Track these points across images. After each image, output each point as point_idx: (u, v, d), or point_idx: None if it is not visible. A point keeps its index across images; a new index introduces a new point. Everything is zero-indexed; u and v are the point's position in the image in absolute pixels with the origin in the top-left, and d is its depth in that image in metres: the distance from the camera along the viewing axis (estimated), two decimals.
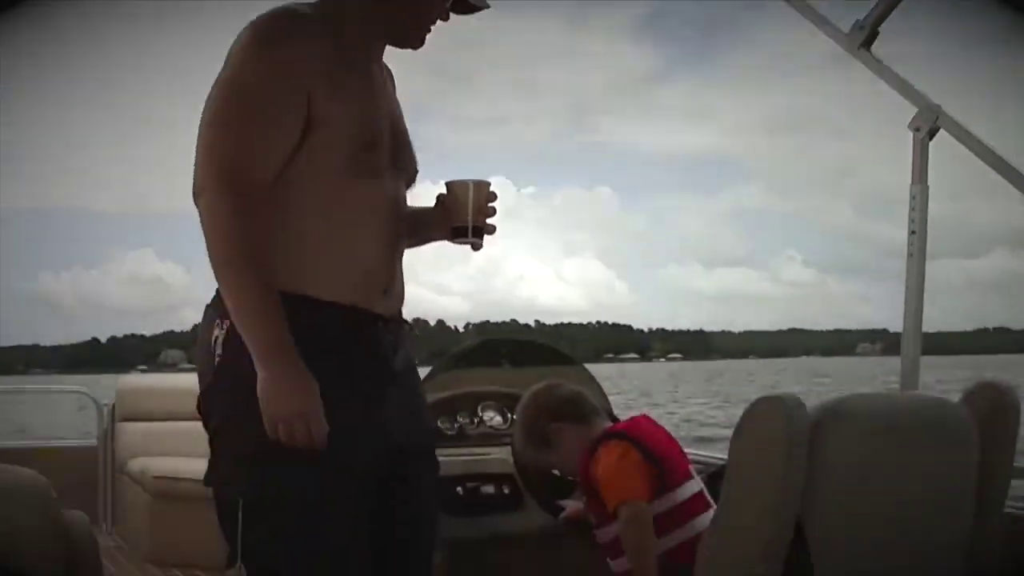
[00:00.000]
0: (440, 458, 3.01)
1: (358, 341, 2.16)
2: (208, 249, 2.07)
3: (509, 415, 3.36)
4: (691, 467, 2.57)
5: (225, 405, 2.16)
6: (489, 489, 3.07)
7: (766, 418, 1.94)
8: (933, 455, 2.14)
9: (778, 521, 1.93)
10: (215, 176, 2.04)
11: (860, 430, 2.02)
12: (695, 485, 2.49)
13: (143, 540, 5.64)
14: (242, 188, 2.04)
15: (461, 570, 2.99)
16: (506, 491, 3.09)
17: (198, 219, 2.08)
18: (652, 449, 2.48)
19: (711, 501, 2.44)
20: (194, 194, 2.07)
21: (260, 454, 2.08)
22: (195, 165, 2.07)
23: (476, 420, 3.38)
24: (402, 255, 2.29)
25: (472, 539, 3.01)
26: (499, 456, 3.17)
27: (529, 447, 2.71)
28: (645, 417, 2.68)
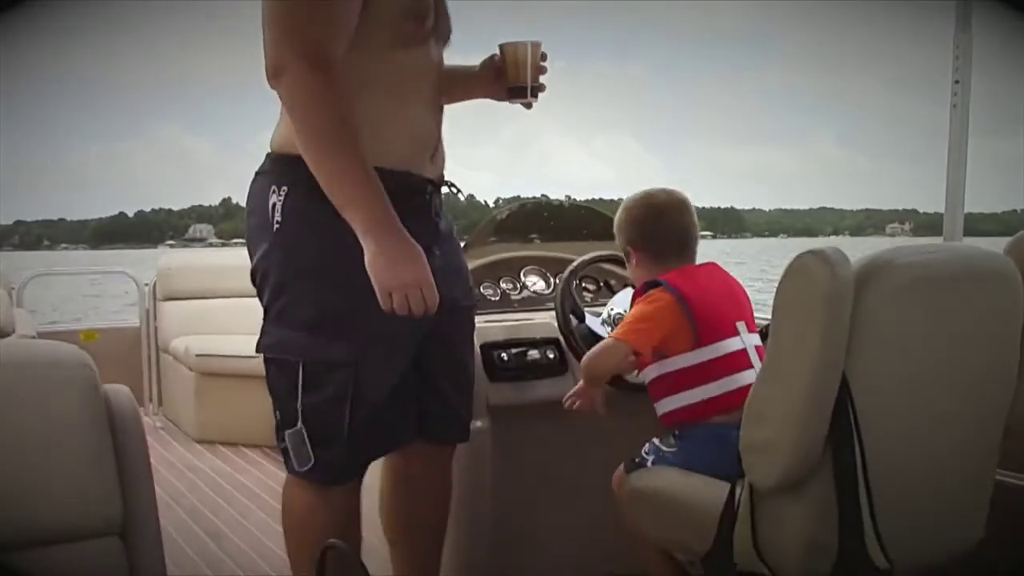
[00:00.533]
0: (483, 324, 3.11)
1: (411, 204, 2.24)
2: (299, 127, 2.11)
3: (552, 279, 3.38)
4: (743, 323, 2.57)
5: (285, 271, 2.25)
6: (533, 354, 3.09)
7: (810, 271, 1.93)
8: (980, 305, 2.13)
9: (823, 374, 1.94)
10: (297, 53, 2.06)
11: (906, 281, 2.00)
12: (741, 343, 2.52)
13: (188, 419, 5.75)
14: (324, 64, 2.07)
15: (503, 435, 3.02)
16: (550, 356, 3.10)
17: (278, 98, 2.13)
18: (693, 303, 2.50)
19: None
20: (271, 75, 2.10)
21: (323, 319, 2.21)
22: (268, 44, 2.09)
23: (519, 285, 3.40)
24: (442, 121, 2.37)
25: (515, 405, 3.04)
26: (542, 321, 3.19)
27: (616, 238, 2.76)
28: (712, 266, 2.68)
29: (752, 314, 2.65)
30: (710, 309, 2.53)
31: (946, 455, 2.18)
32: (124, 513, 1.79)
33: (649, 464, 2.58)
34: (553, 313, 3.05)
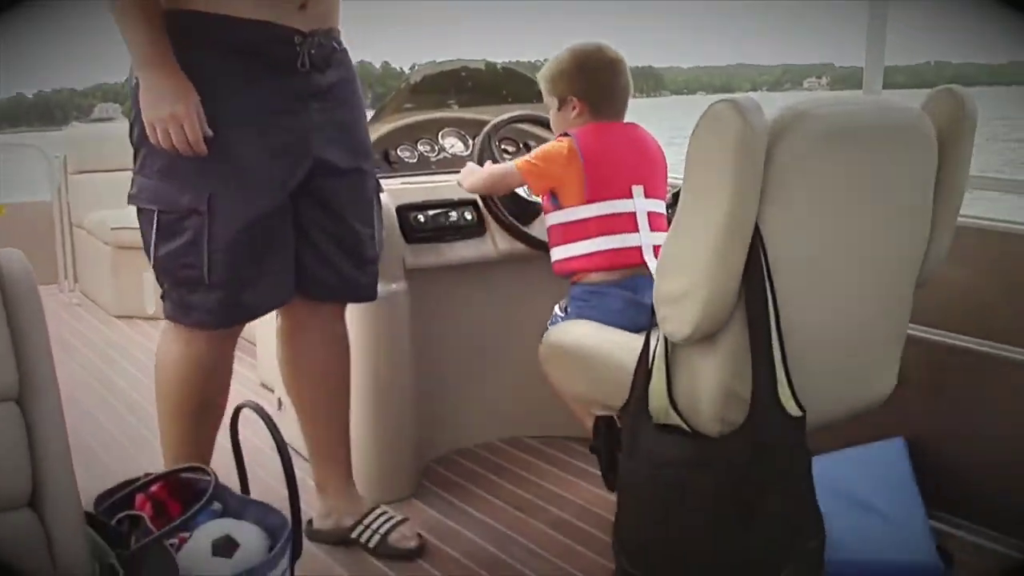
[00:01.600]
0: (399, 186, 3.07)
1: (273, 55, 2.30)
2: None
3: (471, 141, 3.33)
4: (641, 188, 2.65)
5: (139, 125, 2.32)
6: (451, 216, 3.06)
7: (723, 119, 1.88)
8: (895, 159, 2.12)
9: (735, 224, 1.91)
10: None
11: (822, 131, 1.98)
12: (632, 206, 2.63)
13: (106, 294, 5.65)
14: None
15: (422, 297, 3.01)
16: (468, 217, 3.09)
17: None
18: (588, 160, 2.61)
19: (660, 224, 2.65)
20: None
21: (172, 166, 2.29)
22: None
23: (437, 147, 3.36)
24: None
25: (433, 266, 3.04)
26: None
27: (548, 83, 2.78)
28: (632, 126, 2.75)
29: (662, 180, 2.73)
30: (606, 168, 2.63)
31: (858, 307, 2.19)
32: (20, 379, 1.73)
33: (554, 322, 2.66)
34: None
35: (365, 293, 2.66)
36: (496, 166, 2.84)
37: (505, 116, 3.09)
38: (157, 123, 2.23)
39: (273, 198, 2.35)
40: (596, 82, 2.71)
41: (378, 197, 2.64)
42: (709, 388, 2.03)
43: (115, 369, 4.52)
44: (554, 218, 2.70)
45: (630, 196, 2.63)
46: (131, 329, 5.27)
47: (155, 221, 2.33)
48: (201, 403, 2.52)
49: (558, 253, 2.70)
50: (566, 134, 2.67)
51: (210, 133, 2.25)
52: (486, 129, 3.03)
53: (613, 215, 2.62)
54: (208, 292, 2.36)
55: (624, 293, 2.60)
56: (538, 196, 2.77)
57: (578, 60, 2.72)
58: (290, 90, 2.33)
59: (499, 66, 3.54)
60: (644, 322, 2.44)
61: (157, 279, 2.43)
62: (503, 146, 3.28)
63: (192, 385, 2.49)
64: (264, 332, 3.84)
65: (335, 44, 2.43)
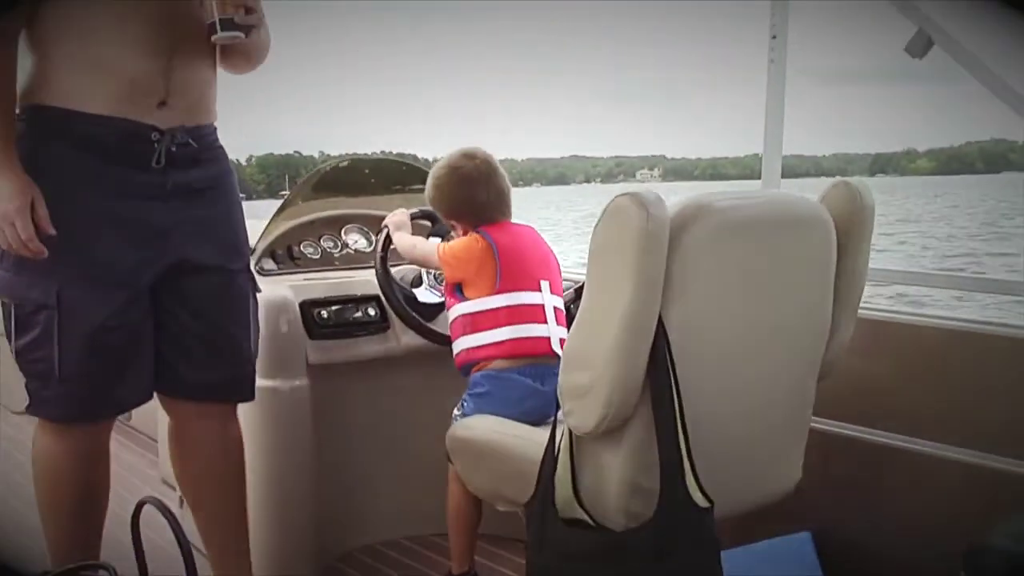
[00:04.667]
0: (302, 282, 3.04)
1: (129, 152, 2.28)
2: None
3: (373, 237, 3.33)
4: (548, 283, 2.72)
5: None
6: (354, 312, 3.04)
7: (625, 213, 1.90)
8: (796, 252, 2.16)
9: (638, 318, 1.92)
10: None
11: (723, 225, 2.01)
12: (540, 298, 2.68)
13: None
14: None
15: (325, 393, 2.97)
16: (371, 313, 3.07)
17: None
18: (502, 251, 2.68)
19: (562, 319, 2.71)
20: None
21: (24, 260, 2.25)
22: None
23: (340, 243, 3.35)
24: (191, 66, 2.32)
25: (336, 363, 3.00)
26: (364, 279, 3.13)
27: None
28: (529, 228, 2.82)
29: (559, 278, 2.79)
30: (517, 260, 2.69)
31: (762, 398, 2.21)
32: None
33: (456, 419, 2.66)
34: (374, 272, 2.99)
35: (240, 394, 2.58)
36: (423, 244, 2.88)
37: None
38: None
39: (127, 293, 2.32)
40: (460, 204, 2.79)
41: (254, 296, 2.56)
42: (614, 481, 2.01)
43: (10, 463, 4.35)
44: (461, 309, 2.71)
45: (539, 289, 2.69)
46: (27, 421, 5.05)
47: (12, 314, 2.33)
48: (79, 498, 2.46)
49: (464, 343, 2.70)
50: (477, 230, 2.73)
51: (51, 231, 2.20)
52: (385, 227, 3.03)
53: (523, 306, 2.66)
54: (59, 386, 2.32)
55: (525, 380, 2.61)
56: (449, 302, 2.78)
57: (441, 190, 2.80)
58: (147, 186, 2.30)
59: (396, 159, 3.57)
60: (544, 412, 2.46)
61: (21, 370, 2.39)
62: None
63: (66, 480, 2.44)
64: (167, 426, 3.74)
65: (203, 141, 2.40)
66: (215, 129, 2.46)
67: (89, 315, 2.28)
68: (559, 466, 2.06)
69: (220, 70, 2.46)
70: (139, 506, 2.17)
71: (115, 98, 2.24)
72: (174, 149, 2.32)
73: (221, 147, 2.48)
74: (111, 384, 2.37)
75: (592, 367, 1.97)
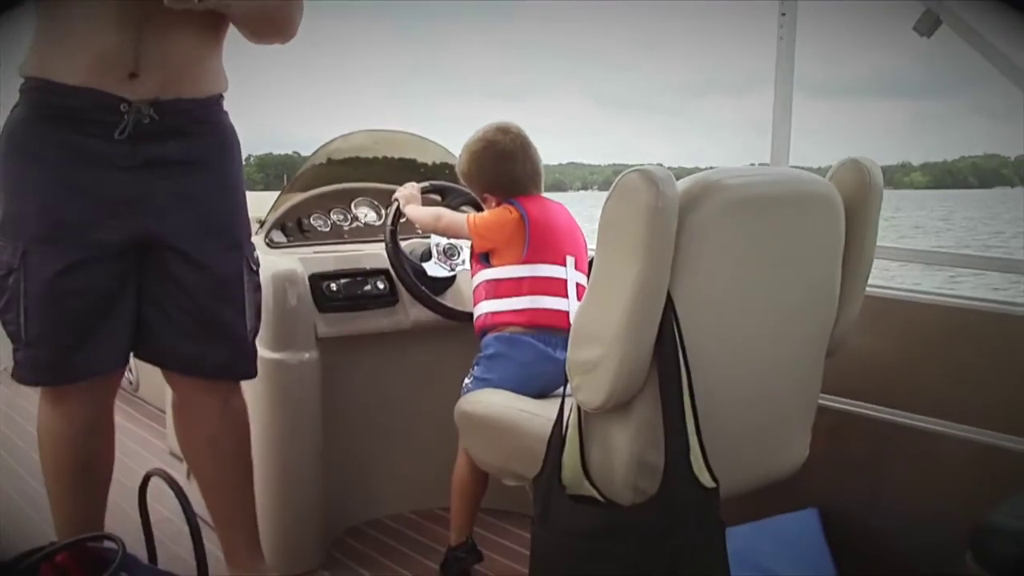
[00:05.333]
0: (312, 255, 3.03)
1: (93, 122, 2.29)
2: None
3: (383, 210, 3.33)
4: (573, 259, 2.74)
5: None
6: (363, 285, 3.05)
7: (635, 189, 1.90)
8: (804, 228, 2.15)
9: (647, 293, 1.92)
10: None
11: (732, 200, 2.00)
12: (564, 273, 2.71)
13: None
14: None
15: (334, 366, 2.98)
16: (380, 287, 3.07)
17: None
18: (533, 223, 2.71)
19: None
20: None
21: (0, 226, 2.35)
22: None
23: (350, 216, 3.35)
24: (167, 39, 2.29)
25: (345, 336, 3.00)
26: (373, 252, 3.13)
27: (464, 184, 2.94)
28: (559, 205, 2.83)
29: (586, 256, 2.78)
30: (547, 234, 2.72)
31: (770, 376, 2.20)
32: None
33: (465, 390, 2.68)
34: (384, 245, 2.99)
35: (235, 373, 2.56)
36: (449, 214, 2.89)
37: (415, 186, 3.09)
38: None
39: (89, 256, 2.32)
40: (495, 177, 2.82)
41: (251, 274, 2.51)
42: (622, 457, 2.01)
43: (14, 429, 4.37)
44: (485, 275, 2.75)
45: (564, 264, 2.72)
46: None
47: None
48: (80, 465, 2.49)
49: (484, 307, 2.74)
50: (510, 202, 2.76)
51: None
52: (394, 206, 3.02)
53: (547, 278, 2.69)
54: (27, 349, 2.36)
55: (537, 344, 2.64)
56: (472, 251, 2.83)
57: (479, 161, 2.83)
58: (115, 156, 2.30)
59: (410, 134, 3.55)
60: (552, 381, 2.49)
61: None
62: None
63: (65, 448, 2.47)
64: None
65: (187, 114, 2.37)
66: (208, 101, 2.42)
67: (50, 276, 2.31)
68: (567, 442, 2.06)
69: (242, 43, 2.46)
70: (146, 478, 2.19)
71: (85, 70, 2.26)
72: (145, 121, 2.30)
73: (219, 121, 2.46)
74: (77, 347, 2.37)
75: (600, 343, 1.97)
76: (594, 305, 2.02)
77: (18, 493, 3.54)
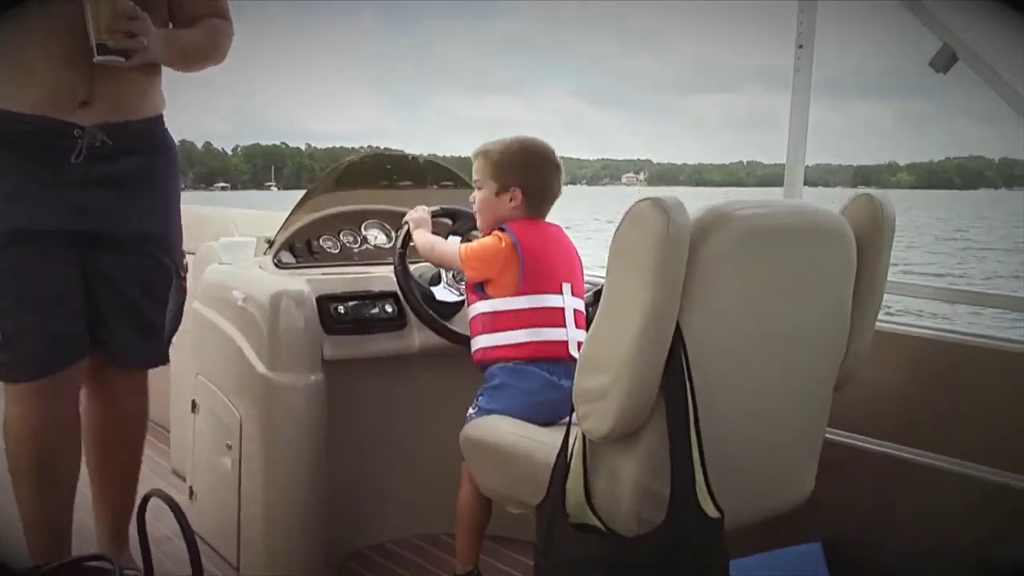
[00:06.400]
0: (320, 276, 3.04)
1: (46, 145, 2.51)
2: None
3: (393, 233, 3.32)
4: (570, 286, 2.71)
5: None
6: (371, 308, 3.04)
7: (646, 217, 1.90)
8: (815, 262, 2.15)
9: (656, 323, 1.92)
10: None
11: (745, 232, 2.00)
12: (561, 301, 2.68)
13: None
14: None
15: (340, 389, 2.96)
16: (388, 310, 3.06)
17: None
18: (527, 253, 2.67)
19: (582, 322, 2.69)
20: None
21: None
22: None
23: (360, 238, 3.35)
24: (116, 72, 2.51)
25: (352, 359, 2.99)
26: (382, 275, 3.12)
27: (492, 168, 2.80)
28: (557, 228, 2.81)
29: (582, 280, 2.78)
30: (541, 263, 2.69)
31: (778, 408, 2.20)
32: None
33: (471, 417, 2.66)
34: (392, 268, 2.99)
35: (147, 358, 2.81)
36: (442, 244, 2.88)
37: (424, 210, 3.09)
38: None
39: (44, 257, 2.53)
40: (540, 180, 2.78)
41: (179, 279, 2.79)
42: (627, 486, 2.01)
43: None
44: (481, 307, 2.72)
45: (560, 292, 2.68)
46: None
47: None
48: (37, 466, 2.61)
49: (483, 341, 2.71)
50: (502, 228, 2.71)
51: None
52: (405, 224, 3.02)
53: (543, 308, 2.66)
54: (7, 351, 2.53)
55: (542, 373, 2.62)
56: (471, 299, 2.78)
57: (528, 154, 2.78)
58: (69, 175, 2.53)
59: (419, 156, 3.56)
60: (557, 410, 2.46)
61: None
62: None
63: (24, 447, 2.60)
64: (179, 417, 3.75)
65: (132, 135, 2.60)
66: (152, 121, 2.69)
67: (15, 276, 2.52)
68: (571, 470, 2.06)
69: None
70: (145, 499, 2.19)
71: (38, 100, 2.50)
72: (97, 144, 2.55)
73: (160, 138, 2.72)
74: (44, 341, 2.55)
75: (608, 371, 1.97)
76: (603, 333, 2.02)
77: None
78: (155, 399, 4.57)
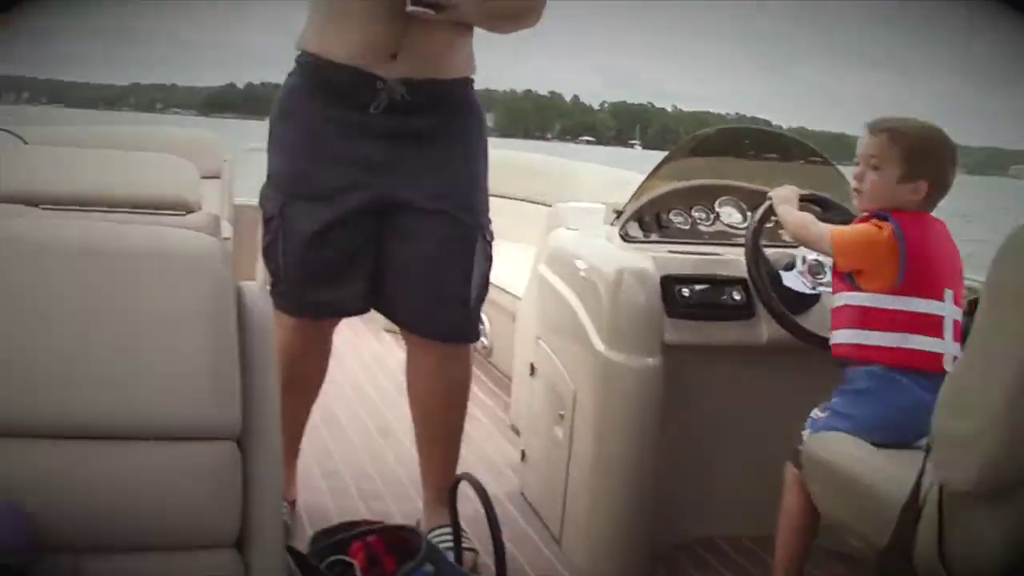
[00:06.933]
0: (666, 255, 2.90)
1: (352, 95, 2.64)
2: None
3: (748, 212, 3.11)
4: (952, 293, 2.44)
5: (268, 143, 2.83)
6: (717, 294, 2.87)
7: None
8: None
9: None
10: None
11: None
12: (942, 310, 2.41)
13: None
14: None
15: (680, 375, 2.82)
16: (736, 297, 2.87)
17: None
18: (911, 249, 2.41)
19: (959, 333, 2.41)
20: None
21: (269, 179, 2.79)
22: None
23: (712, 216, 3.16)
24: (429, 28, 2.56)
25: (693, 345, 2.85)
26: (732, 258, 2.93)
27: (907, 152, 2.52)
28: (942, 224, 2.55)
29: (963, 286, 2.50)
30: (925, 263, 2.44)
31: None
32: (244, 420, 1.69)
33: (813, 420, 2.49)
34: (744, 251, 2.82)
35: (454, 337, 2.84)
36: (813, 224, 2.64)
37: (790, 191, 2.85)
38: None
39: (334, 213, 2.66)
40: (947, 175, 2.54)
41: (484, 242, 2.77)
42: (991, 554, 1.75)
43: (374, 384, 4.51)
44: (848, 299, 2.49)
45: (942, 298, 2.42)
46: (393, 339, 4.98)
47: (262, 219, 2.77)
48: (287, 379, 2.71)
49: (846, 336, 2.49)
50: (883, 216, 2.47)
51: None
52: (763, 208, 2.81)
53: (921, 314, 2.41)
54: (283, 285, 2.74)
55: (914, 387, 2.36)
56: (836, 287, 2.58)
57: (942, 145, 2.54)
58: (368, 127, 2.64)
59: (780, 132, 3.34)
60: (916, 429, 2.22)
61: None
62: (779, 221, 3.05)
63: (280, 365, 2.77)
64: (519, 376, 3.76)
65: (434, 93, 2.67)
66: (457, 83, 2.73)
67: (302, 227, 2.68)
68: (923, 520, 1.83)
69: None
70: (457, 480, 2.36)
71: (354, 50, 2.60)
72: (398, 98, 2.62)
73: (463, 100, 2.76)
74: (322, 289, 2.74)
75: (976, 415, 1.72)
76: (974, 370, 1.77)
77: (368, 452, 3.68)
78: (501, 354, 4.65)
